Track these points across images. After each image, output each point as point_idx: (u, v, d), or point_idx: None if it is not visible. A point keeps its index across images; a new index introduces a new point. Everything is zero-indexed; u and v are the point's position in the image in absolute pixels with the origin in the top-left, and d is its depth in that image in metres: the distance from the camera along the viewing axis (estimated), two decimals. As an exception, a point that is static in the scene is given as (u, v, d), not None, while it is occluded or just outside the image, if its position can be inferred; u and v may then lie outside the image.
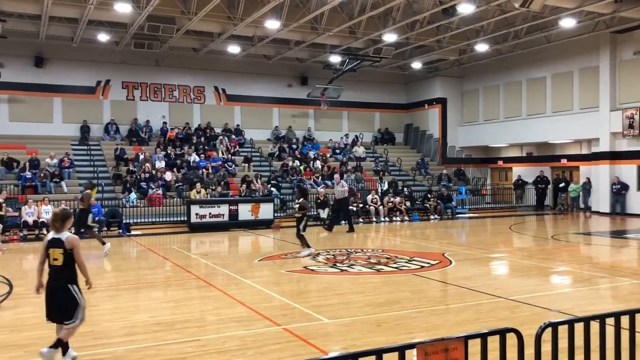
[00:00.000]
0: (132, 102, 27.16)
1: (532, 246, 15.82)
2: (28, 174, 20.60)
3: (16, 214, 18.02)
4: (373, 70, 29.45)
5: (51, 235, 5.77)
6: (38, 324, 7.20)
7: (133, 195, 21.01)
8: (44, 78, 25.15)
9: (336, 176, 22.76)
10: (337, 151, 29.31)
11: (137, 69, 26.81)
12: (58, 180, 20.89)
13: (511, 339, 3.70)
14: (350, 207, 21.33)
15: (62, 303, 5.62)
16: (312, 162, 27.12)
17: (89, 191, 13.65)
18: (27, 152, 22.46)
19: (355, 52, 25.95)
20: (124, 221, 18.98)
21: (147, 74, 27.17)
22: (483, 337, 3.58)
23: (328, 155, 28.61)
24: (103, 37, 23.27)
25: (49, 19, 20.56)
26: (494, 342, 3.63)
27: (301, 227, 13.38)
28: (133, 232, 18.55)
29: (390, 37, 23.44)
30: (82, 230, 13.33)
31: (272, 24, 21.23)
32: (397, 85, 33.06)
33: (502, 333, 3.65)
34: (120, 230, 18.50)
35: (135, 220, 19.64)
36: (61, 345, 5.60)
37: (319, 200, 21.17)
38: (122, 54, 25.59)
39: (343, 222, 19.89)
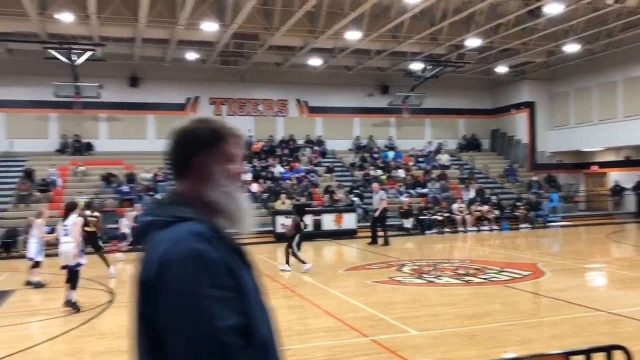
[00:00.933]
0: (220, 117, 28.02)
1: (633, 256, 14.83)
2: (125, 188, 21.84)
3: (115, 225, 19.13)
4: (456, 75, 28.88)
5: None
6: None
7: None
8: (138, 97, 26.63)
9: (374, 185, 20.45)
10: (420, 159, 28.92)
11: (223, 85, 27.79)
12: (152, 193, 21.99)
13: (618, 356, 3.48)
14: (435, 217, 20.89)
15: None
16: (394, 171, 26.92)
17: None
18: (124, 167, 23.83)
19: (437, 58, 25.57)
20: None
21: (233, 89, 28.10)
22: (586, 353, 3.38)
23: (411, 163, 28.30)
24: (191, 55, 24.36)
25: (142, 41, 21.77)
26: (597, 360, 3.43)
27: (294, 244, 12.96)
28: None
29: (473, 42, 22.92)
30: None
31: (353, 35, 21.36)
32: (481, 90, 32.20)
33: (608, 350, 3.43)
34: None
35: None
36: None
37: (402, 210, 20.94)
38: (209, 71, 26.64)
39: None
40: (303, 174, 25.34)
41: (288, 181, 24.37)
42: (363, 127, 30.15)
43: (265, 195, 23.27)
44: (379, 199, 18.52)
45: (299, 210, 13.75)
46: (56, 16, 18.81)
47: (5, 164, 23.29)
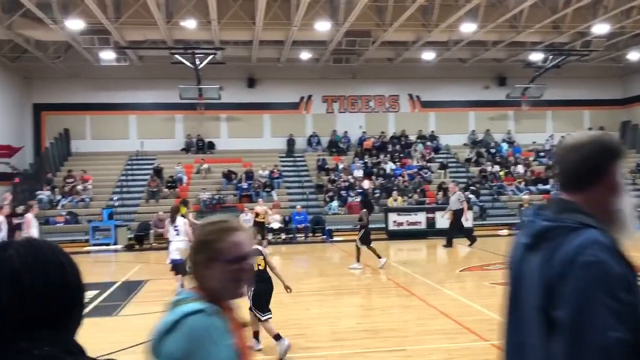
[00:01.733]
0: (332, 114, 28.56)
1: None
2: (244, 185, 22.83)
3: (235, 221, 20.09)
4: (580, 65, 27.02)
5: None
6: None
7: (334, 203, 22.04)
8: (255, 97, 27.69)
9: (451, 185, 19.21)
10: (541, 154, 27.43)
11: (335, 83, 28.13)
12: (269, 190, 22.81)
13: None
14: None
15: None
16: (513, 166, 25.77)
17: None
18: (243, 165, 24.91)
19: (559, 47, 24.08)
20: (327, 227, 19.97)
21: (345, 86, 28.36)
22: None
23: (531, 158, 26.93)
24: (305, 55, 24.91)
25: (259, 43, 22.60)
26: None
27: (357, 239, 13.24)
28: (335, 238, 19.44)
29: (601, 28, 21.29)
30: None
31: (468, 27, 20.70)
32: (609, 79, 29.87)
33: None
34: (324, 236, 19.51)
35: (337, 227, 20.56)
36: None
37: (522, 208, 19.99)
38: (322, 69, 27.07)
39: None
40: (415, 170, 25.01)
41: (400, 178, 24.18)
42: (479, 120, 29.15)
43: (377, 192, 23.26)
44: (457, 200, 17.45)
45: (367, 206, 13.85)
46: (181, 23, 20.04)
47: (137, 163, 25.26)
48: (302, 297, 10.28)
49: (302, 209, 20.15)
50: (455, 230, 17.39)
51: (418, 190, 23.10)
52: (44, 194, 21.73)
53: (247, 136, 27.43)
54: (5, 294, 1.09)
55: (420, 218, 19.94)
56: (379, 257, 13.03)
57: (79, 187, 22.33)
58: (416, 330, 7.57)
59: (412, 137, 28.10)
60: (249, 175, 23.69)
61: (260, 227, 15.85)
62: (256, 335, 6.63)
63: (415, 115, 28.94)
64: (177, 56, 22.43)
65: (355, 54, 24.70)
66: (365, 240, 13.31)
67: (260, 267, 6.66)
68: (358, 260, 13.26)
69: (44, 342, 1.13)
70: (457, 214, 17.21)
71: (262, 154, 26.53)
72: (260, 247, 7.01)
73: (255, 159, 25.57)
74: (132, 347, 6.99)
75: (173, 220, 10.48)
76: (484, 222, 21.72)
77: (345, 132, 28.01)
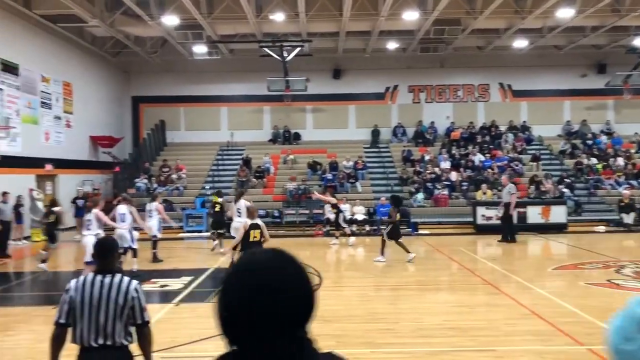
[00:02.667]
0: (418, 104, 28.14)
1: None
2: (329, 176, 23.02)
3: (320, 211, 20.32)
4: (692, 49, 24.93)
5: (250, 221, 8.88)
6: (346, 316, 8.03)
7: (420, 196, 21.76)
8: (341, 88, 27.79)
9: (503, 178, 18.53)
10: (644, 146, 25.63)
11: (422, 73, 27.67)
12: (353, 181, 22.87)
13: None
14: None
15: None
16: (612, 159, 24.27)
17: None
18: (328, 156, 25.11)
19: (668, 31, 22.33)
20: (412, 220, 19.76)
21: (432, 76, 27.83)
22: None
23: (633, 151, 25.24)
24: (391, 45, 24.66)
25: (345, 34, 22.63)
26: None
27: (384, 233, 13.24)
28: (420, 232, 19.21)
29: None
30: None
31: (565, 12, 19.64)
32: None
33: None
34: (410, 229, 19.34)
35: (422, 220, 20.30)
36: None
37: (622, 204, 18.84)
38: (409, 59, 26.70)
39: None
40: (506, 162, 24.15)
41: (489, 170, 23.45)
42: (575, 110, 27.68)
43: (465, 184, 22.71)
44: (508, 193, 16.73)
45: (395, 202, 13.74)
46: (270, 17, 20.44)
47: (227, 153, 26.14)
48: (386, 291, 10.28)
49: (386, 201, 20.03)
50: (511, 224, 16.85)
51: (508, 183, 22.28)
52: (142, 183, 22.99)
53: (332, 127, 27.61)
54: (284, 298, 1.26)
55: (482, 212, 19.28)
56: (408, 252, 13.06)
57: (174, 176, 23.44)
58: (506, 330, 7.35)
59: (503, 128, 27.15)
60: (334, 166, 23.86)
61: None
62: None
63: (506, 105, 27.93)
64: (265, 49, 22.91)
65: (444, 43, 24.16)
66: (393, 235, 13.33)
67: (257, 239, 8.63)
68: (382, 254, 13.26)
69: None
70: (509, 207, 16.65)
71: (346, 144, 26.61)
72: (259, 221, 8.91)
73: (340, 149, 25.69)
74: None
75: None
76: (579, 218, 20.66)
77: (432, 122, 27.52)
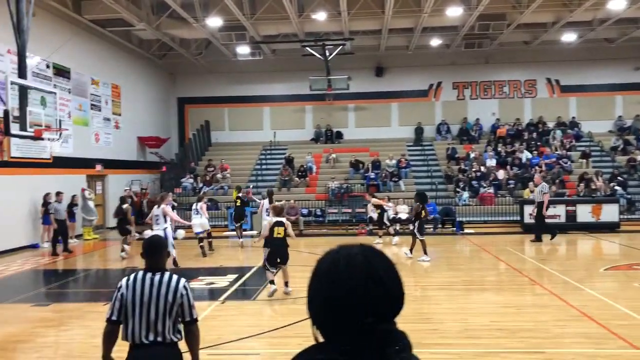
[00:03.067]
0: (462, 101, 27.72)
1: None
2: (371, 175, 22.92)
3: (363, 210, 20.26)
4: None
5: (274, 219, 9.36)
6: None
7: (465, 194, 21.43)
8: (383, 86, 27.64)
9: (537, 177, 18.21)
10: (703, 142, 24.52)
11: (466, 69, 27.24)
12: (396, 179, 22.70)
13: None
14: None
15: (285, 256, 9.34)
16: (667, 155, 23.31)
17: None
18: (370, 154, 25.01)
19: None
20: (458, 219, 19.48)
21: (477, 72, 27.37)
22: None
23: (690, 147, 24.18)
24: (435, 41, 24.36)
25: (388, 31, 22.48)
26: None
27: (415, 230, 13.14)
28: (466, 231, 18.91)
29: None
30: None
31: (617, 4, 18.98)
32: None
33: None
34: (454, 228, 19.07)
35: (467, 219, 19.99)
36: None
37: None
38: (452, 55, 26.33)
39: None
40: (554, 159, 23.52)
41: (537, 168, 22.88)
42: (627, 105, 26.74)
43: (512, 182, 22.24)
44: (540, 192, 16.27)
45: (421, 198, 13.57)
46: (312, 16, 20.50)
47: (270, 153, 26.37)
48: (432, 291, 10.16)
49: (430, 200, 19.84)
50: (543, 223, 16.36)
51: (557, 181, 21.70)
52: (188, 182, 23.44)
53: (375, 125, 27.50)
54: (381, 295, 1.31)
55: (560, 211, 18.73)
56: (411, 251, 13.25)
57: (219, 176, 23.79)
58: (556, 332, 7.16)
59: (550, 124, 26.46)
60: (376, 165, 23.74)
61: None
62: (287, 284, 9.32)
63: (554, 101, 27.21)
64: (307, 48, 22.99)
65: (489, 38, 23.73)
66: (422, 230, 13.24)
67: (280, 236, 9.22)
68: (425, 253, 13.02)
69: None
70: (541, 206, 16.22)
71: (389, 143, 26.45)
72: (284, 219, 9.46)
73: (383, 148, 25.55)
74: (269, 331, 7.37)
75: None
76: (632, 217, 19.94)
77: (477, 119, 27.06)
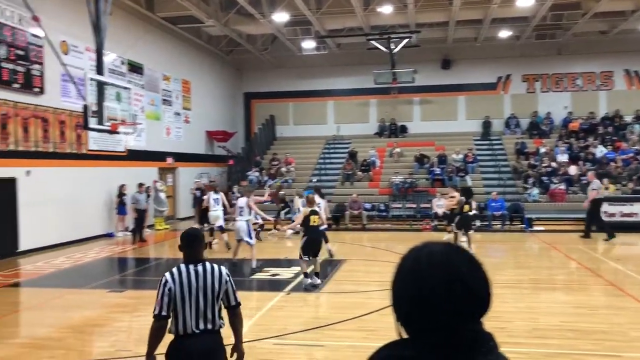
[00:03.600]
0: (532, 94, 26.80)
1: None
2: (437, 170, 22.55)
3: (428, 205, 20.01)
4: None
5: (309, 209, 9.86)
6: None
7: (535, 190, 20.73)
8: (450, 79, 27.11)
9: (590, 173, 18.08)
10: None
11: (537, 61, 26.29)
12: (463, 174, 22.24)
13: None
14: None
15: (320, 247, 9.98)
16: None
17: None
18: (436, 149, 24.60)
19: None
20: (526, 216, 18.90)
21: (548, 64, 26.36)
22: None
23: None
24: (504, 33, 23.65)
25: (455, 23, 22.01)
26: None
27: (454, 224, 13.00)
28: (535, 228, 18.32)
29: None
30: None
31: None
32: None
33: None
34: (523, 225, 18.52)
35: (537, 216, 19.34)
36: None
37: None
38: (522, 47, 25.48)
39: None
40: (632, 155, 22.33)
41: (612, 163, 21.82)
42: None
43: (585, 179, 21.27)
44: (591, 189, 16.17)
45: (466, 193, 13.37)
46: (378, 9, 20.35)
47: (333, 147, 26.46)
48: (498, 289, 9.84)
49: (498, 196, 19.33)
50: (594, 221, 16.19)
51: (634, 177, 20.62)
52: (253, 175, 23.89)
53: (441, 119, 27.04)
54: (465, 294, 1.29)
55: (637, 209, 17.85)
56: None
57: (283, 169, 24.10)
58: (633, 335, 6.84)
59: (628, 118, 25.13)
60: (442, 159, 23.34)
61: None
62: (317, 274, 9.75)
63: (632, 93, 25.82)
64: (373, 42, 22.86)
65: (562, 29, 22.81)
66: (462, 224, 13.07)
67: (316, 224, 9.75)
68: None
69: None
70: (595, 204, 16.08)
71: (455, 137, 25.93)
72: (317, 208, 10.03)
73: (449, 142, 25.08)
74: (333, 324, 7.42)
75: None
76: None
77: (548, 113, 26.09)
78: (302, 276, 9.87)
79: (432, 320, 1.29)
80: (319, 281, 9.69)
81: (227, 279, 3.81)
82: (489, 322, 1.32)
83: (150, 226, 19.17)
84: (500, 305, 8.53)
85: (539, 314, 7.90)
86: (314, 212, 9.74)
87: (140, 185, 17.07)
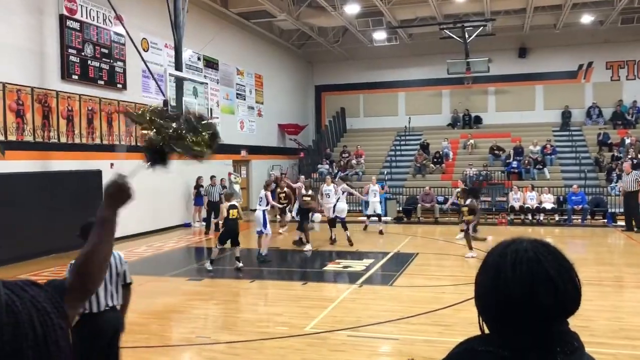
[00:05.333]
0: (617, 82, 25.39)
1: None
2: (513, 163, 21.80)
3: (504, 198, 19.43)
4: None
5: (228, 204, 10.75)
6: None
7: (619, 184, 19.66)
8: (526, 67, 26.13)
9: (626, 164, 17.30)
10: None
11: (623, 47, 24.86)
12: (541, 167, 21.43)
13: None
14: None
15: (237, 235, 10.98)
16: None
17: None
18: (512, 140, 23.81)
19: None
20: (609, 210, 17.99)
21: (635, 50, 24.85)
22: None
23: None
24: (586, 18, 22.49)
25: (533, 10, 21.16)
26: None
27: (470, 227, 12.05)
28: (619, 223, 17.40)
29: None
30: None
31: None
32: None
33: None
34: (605, 220, 17.64)
35: (620, 210, 18.33)
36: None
37: None
38: (606, 32, 24.14)
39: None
40: None
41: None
42: None
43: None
44: (634, 180, 15.99)
45: (474, 193, 13.07)
46: (451, -2, 19.88)
47: (404, 138, 26.16)
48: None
49: (579, 189, 18.49)
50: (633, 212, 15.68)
51: None
52: (324, 168, 24.04)
53: (517, 109, 26.16)
54: (549, 294, 1.27)
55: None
56: (471, 247, 11.84)
57: (353, 162, 24.11)
58: None
59: None
60: (518, 151, 22.56)
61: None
62: (238, 259, 10.98)
63: None
64: (446, 31, 22.39)
65: (650, 12, 21.41)
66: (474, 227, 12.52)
67: (234, 217, 10.72)
68: (471, 248, 11.84)
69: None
70: (632, 196, 15.80)
71: (533, 128, 25.00)
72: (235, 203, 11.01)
73: (525, 133, 24.21)
74: (406, 317, 7.38)
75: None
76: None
77: (634, 101, 24.66)
78: (366, 268, 10.36)
79: (515, 319, 1.27)
80: (240, 264, 10.85)
81: (125, 261, 4.47)
82: (572, 320, 1.29)
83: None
84: (583, 303, 8.17)
85: (624, 313, 7.53)
86: (233, 207, 10.73)
87: (212, 177, 17.51)
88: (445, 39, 23.14)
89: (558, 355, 1.26)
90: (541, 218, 18.24)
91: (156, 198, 16.41)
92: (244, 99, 22.85)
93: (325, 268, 11.17)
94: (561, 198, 18.80)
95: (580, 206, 17.94)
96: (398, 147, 25.52)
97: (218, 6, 19.52)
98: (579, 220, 17.93)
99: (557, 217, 18.45)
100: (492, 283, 1.32)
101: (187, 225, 18.02)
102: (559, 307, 1.28)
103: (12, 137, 11.94)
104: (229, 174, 20.11)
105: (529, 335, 1.27)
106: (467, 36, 22.31)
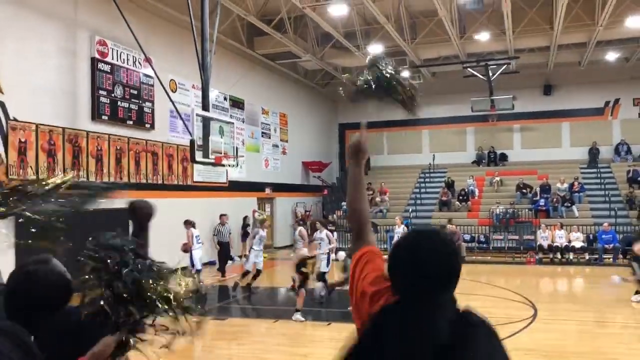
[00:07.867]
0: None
1: None
2: (541, 201, 21.46)
3: (531, 237, 19.10)
4: None
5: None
6: (572, 353, 7.37)
7: (650, 221, 19.20)
8: (552, 104, 25.99)
9: None
10: None
11: (650, 83, 24.64)
12: (569, 204, 21.06)
13: None
14: None
15: None
16: None
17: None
18: (538, 177, 23.53)
19: None
20: (641, 250, 17.47)
21: (663, 86, 24.61)
22: None
23: None
24: (611, 55, 22.41)
25: (557, 48, 21.17)
26: None
27: None
28: (652, 263, 16.87)
29: None
30: None
31: None
32: None
33: None
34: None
35: (654, 249, 17.83)
36: None
37: None
38: (632, 69, 23.97)
39: None
40: None
41: None
42: None
43: None
44: None
45: None
46: (475, 37, 20.02)
47: (429, 176, 26.05)
48: (613, 328, 9.23)
49: (610, 227, 18.09)
50: None
51: None
52: (348, 205, 23.98)
53: (543, 146, 25.92)
54: (447, 261, 1.65)
55: None
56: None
57: (377, 199, 24.03)
58: None
59: None
60: (545, 189, 22.25)
61: None
62: None
63: None
64: (469, 69, 22.49)
65: (677, 48, 21.24)
66: None
67: None
68: None
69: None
70: None
71: (560, 165, 24.69)
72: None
73: (552, 170, 23.92)
74: None
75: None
76: None
77: (664, 138, 24.26)
78: None
79: (406, 285, 1.63)
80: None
81: None
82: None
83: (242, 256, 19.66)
84: (618, 345, 7.91)
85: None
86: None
87: (221, 216, 16.70)
88: (468, 77, 23.23)
89: (444, 319, 1.56)
90: (571, 257, 17.83)
91: (182, 235, 16.51)
92: (269, 137, 23.12)
93: (350, 308, 11.01)
94: (591, 236, 18.40)
95: (612, 245, 17.51)
96: (423, 185, 25.40)
97: (244, 48, 19.97)
98: (610, 259, 17.48)
99: (587, 256, 18.01)
100: (391, 258, 1.69)
101: (213, 263, 18.01)
102: (429, 283, 1.59)
103: (43, 177, 12.22)
104: (254, 211, 20.17)
105: (418, 302, 1.60)
106: (490, 74, 22.36)
